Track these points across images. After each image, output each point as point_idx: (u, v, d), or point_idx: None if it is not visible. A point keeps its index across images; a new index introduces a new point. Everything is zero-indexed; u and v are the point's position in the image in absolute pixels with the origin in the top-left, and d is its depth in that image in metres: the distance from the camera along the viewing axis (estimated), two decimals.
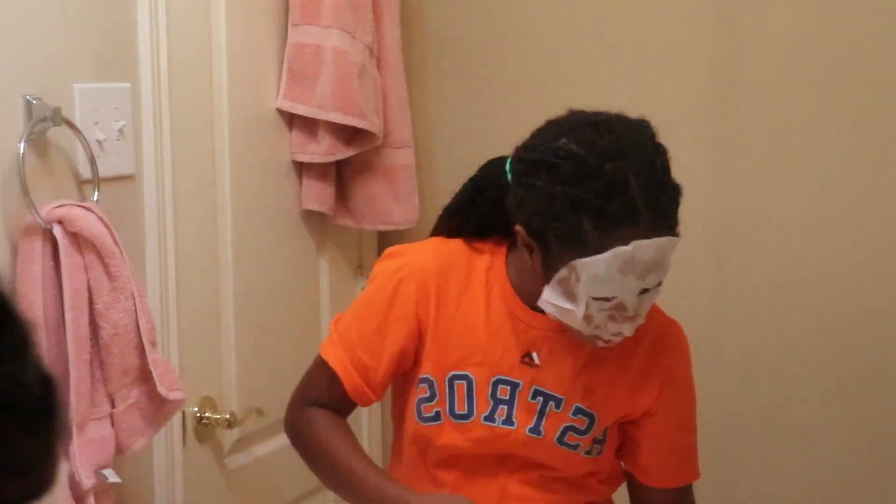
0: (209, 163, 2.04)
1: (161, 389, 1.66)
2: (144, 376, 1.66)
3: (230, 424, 2.03)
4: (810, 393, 2.40)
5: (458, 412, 1.61)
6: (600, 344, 1.54)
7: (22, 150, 1.54)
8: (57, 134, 1.64)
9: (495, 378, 1.60)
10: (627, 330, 1.51)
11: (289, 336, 2.22)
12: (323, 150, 2.24)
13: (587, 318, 1.49)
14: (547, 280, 1.50)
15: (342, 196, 2.35)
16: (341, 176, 2.34)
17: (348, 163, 2.32)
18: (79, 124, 1.67)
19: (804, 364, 2.41)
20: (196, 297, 1.99)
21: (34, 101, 1.58)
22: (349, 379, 1.61)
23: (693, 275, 2.48)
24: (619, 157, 1.47)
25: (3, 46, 1.55)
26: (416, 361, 1.63)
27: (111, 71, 1.77)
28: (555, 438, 1.61)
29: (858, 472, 2.39)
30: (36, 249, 1.56)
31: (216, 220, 2.06)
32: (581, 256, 1.45)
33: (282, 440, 2.22)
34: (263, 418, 2.09)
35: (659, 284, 1.52)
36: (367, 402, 1.67)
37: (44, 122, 1.59)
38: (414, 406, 1.63)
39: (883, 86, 2.30)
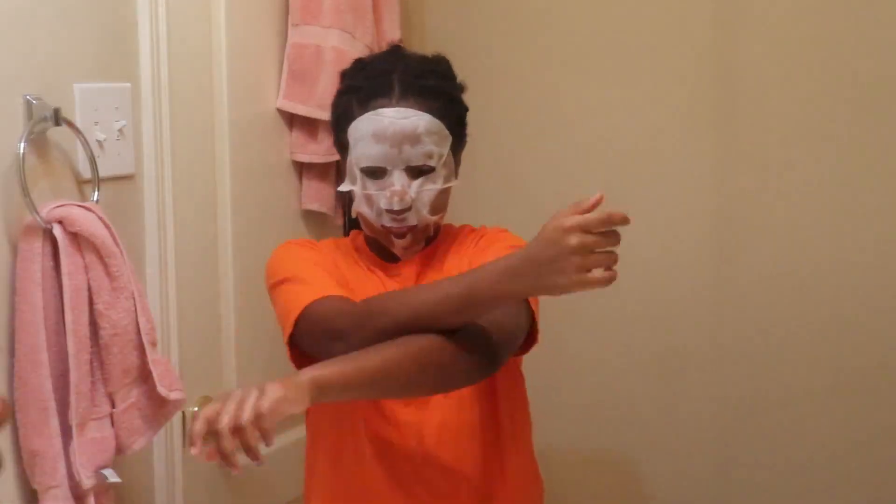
0: (209, 163, 2.04)
1: (161, 389, 1.66)
2: (144, 376, 1.66)
3: None
4: (811, 390, 2.41)
5: None
6: (397, 244, 1.73)
7: (22, 150, 1.54)
8: (57, 134, 1.64)
9: None
10: (397, 203, 1.68)
11: None
12: (323, 150, 2.25)
13: (368, 200, 1.72)
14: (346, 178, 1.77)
15: (342, 196, 2.35)
16: (341, 176, 2.34)
17: None
18: (79, 124, 1.67)
19: (804, 361, 2.41)
20: (196, 297, 1.99)
21: (34, 101, 1.58)
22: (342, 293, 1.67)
23: (693, 273, 2.48)
24: (387, 58, 1.79)
25: (3, 46, 1.55)
26: None
27: (111, 71, 1.77)
28: None
29: (858, 469, 2.39)
30: (36, 249, 1.56)
31: (216, 220, 2.06)
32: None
33: (282, 440, 2.22)
34: None
35: (433, 171, 1.70)
36: None
37: (44, 122, 1.59)
38: None
39: (882, 86, 2.30)
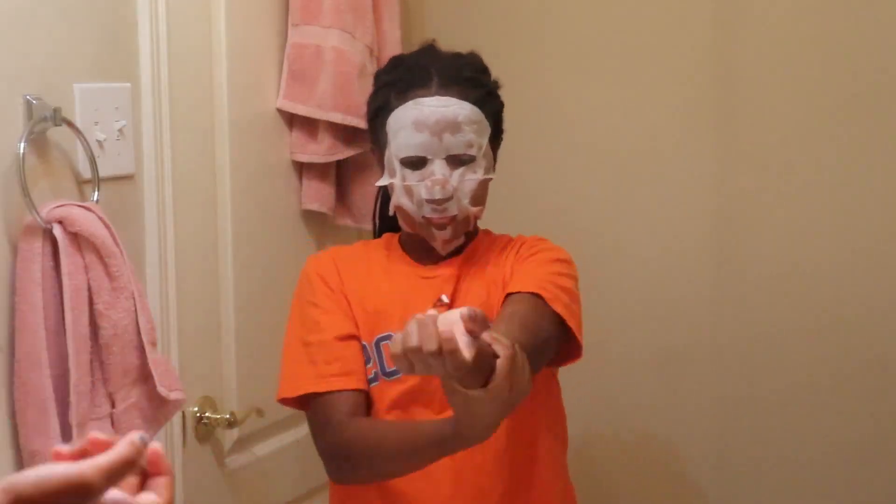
0: (209, 163, 2.04)
1: (161, 389, 1.66)
2: (144, 376, 1.66)
3: (230, 424, 2.03)
4: (810, 390, 2.41)
5: (388, 370, 1.70)
6: (438, 236, 1.71)
7: (22, 150, 1.54)
8: (57, 134, 1.64)
9: None
10: (438, 192, 1.66)
11: None
12: (323, 150, 2.25)
13: (408, 192, 1.69)
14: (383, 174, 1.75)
15: (342, 196, 2.35)
16: (341, 176, 2.34)
17: (348, 163, 2.32)
18: (79, 124, 1.67)
19: (803, 362, 2.41)
20: (196, 296, 1.99)
21: (34, 101, 1.58)
22: (345, 382, 1.69)
23: (693, 273, 2.48)
24: (423, 53, 1.78)
25: (3, 46, 1.55)
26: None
27: (111, 71, 1.77)
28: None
29: (857, 468, 2.39)
30: (36, 249, 1.56)
31: (216, 220, 2.06)
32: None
33: (281, 440, 2.23)
34: (263, 418, 2.09)
35: (473, 161, 1.69)
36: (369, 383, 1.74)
37: (44, 122, 1.59)
38: None
39: (882, 85, 2.30)
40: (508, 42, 2.56)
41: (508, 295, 1.66)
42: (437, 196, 1.67)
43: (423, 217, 1.70)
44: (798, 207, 2.39)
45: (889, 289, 2.33)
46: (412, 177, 1.69)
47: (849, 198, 2.34)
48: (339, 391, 1.68)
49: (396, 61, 1.81)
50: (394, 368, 1.68)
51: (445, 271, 1.75)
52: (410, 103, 1.69)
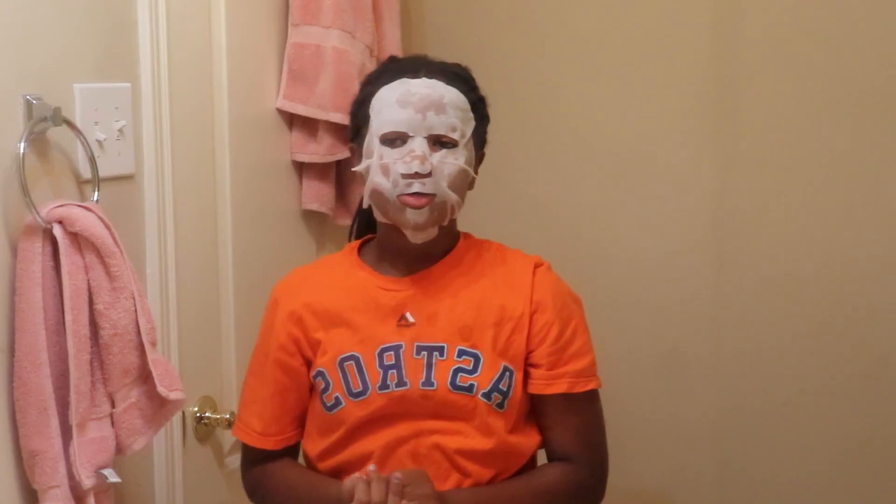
0: (209, 163, 2.04)
1: (161, 389, 1.66)
2: (144, 376, 1.66)
3: (230, 424, 2.03)
4: (810, 393, 2.41)
5: (354, 391, 1.69)
6: (411, 219, 1.64)
7: (22, 150, 1.54)
8: (57, 134, 1.64)
9: (379, 349, 1.68)
10: (417, 166, 1.61)
11: None
12: (323, 150, 2.25)
13: (385, 170, 1.64)
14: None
15: (342, 196, 2.35)
16: (341, 176, 2.34)
17: (348, 163, 2.32)
18: (79, 124, 1.67)
19: (804, 363, 2.41)
20: (196, 297, 1.99)
21: (34, 101, 1.58)
22: (260, 442, 1.79)
23: (693, 274, 2.48)
24: (414, 56, 1.80)
25: (3, 46, 1.55)
26: (311, 366, 1.74)
27: (111, 71, 1.77)
28: (447, 383, 1.67)
29: (858, 470, 2.39)
30: (36, 249, 1.56)
31: (216, 220, 2.06)
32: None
33: None
34: None
35: (455, 146, 1.65)
36: (295, 440, 1.81)
37: (44, 122, 1.59)
38: (318, 400, 1.73)
39: (882, 85, 2.30)
40: (508, 42, 2.56)
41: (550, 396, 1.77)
42: (415, 169, 1.61)
43: (399, 197, 1.63)
44: (798, 209, 2.38)
45: (890, 290, 2.33)
46: (390, 154, 1.64)
47: (849, 199, 2.34)
48: (255, 446, 1.79)
49: (388, 60, 1.81)
50: (360, 389, 1.69)
51: (411, 285, 1.71)
52: (396, 83, 1.68)
